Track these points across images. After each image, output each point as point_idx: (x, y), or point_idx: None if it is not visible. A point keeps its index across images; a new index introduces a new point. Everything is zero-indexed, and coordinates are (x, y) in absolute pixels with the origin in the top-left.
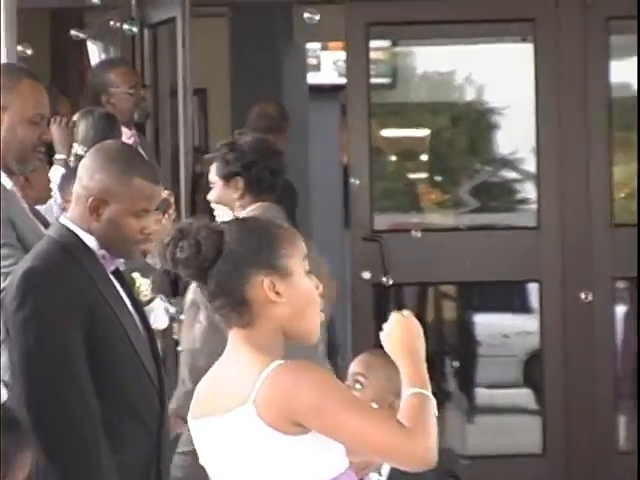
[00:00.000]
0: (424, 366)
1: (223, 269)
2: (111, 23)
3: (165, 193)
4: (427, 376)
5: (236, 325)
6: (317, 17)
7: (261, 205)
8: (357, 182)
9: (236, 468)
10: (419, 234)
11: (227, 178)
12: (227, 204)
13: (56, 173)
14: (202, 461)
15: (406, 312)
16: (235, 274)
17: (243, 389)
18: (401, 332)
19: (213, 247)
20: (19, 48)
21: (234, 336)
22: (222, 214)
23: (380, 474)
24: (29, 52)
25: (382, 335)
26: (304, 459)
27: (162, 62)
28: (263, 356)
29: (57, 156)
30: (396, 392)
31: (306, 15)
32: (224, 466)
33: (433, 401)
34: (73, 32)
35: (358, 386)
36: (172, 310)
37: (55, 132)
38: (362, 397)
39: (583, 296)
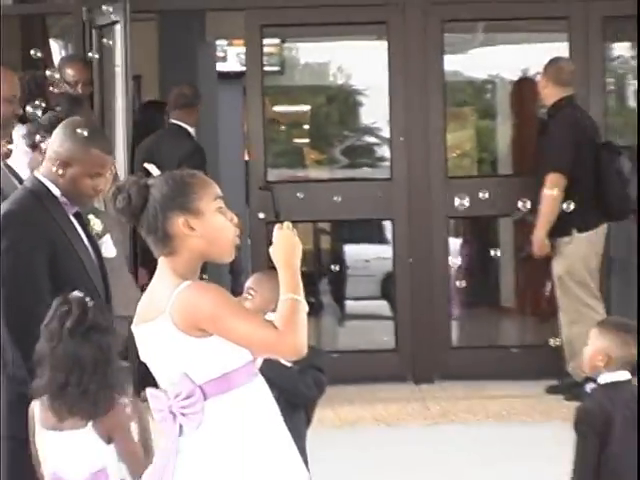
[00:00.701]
0: (298, 274)
1: (149, 214)
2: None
3: None
4: (300, 282)
5: (162, 254)
6: None
7: None
8: (253, 146)
9: (162, 363)
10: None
11: (33, 147)
12: (35, 167)
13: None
14: (142, 359)
15: (286, 224)
16: (158, 217)
17: (163, 302)
18: (282, 243)
19: (141, 198)
20: (32, 52)
21: (161, 262)
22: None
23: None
24: (39, 55)
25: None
26: (210, 355)
27: (107, 55)
28: (179, 277)
29: None
30: (278, 302)
31: None
32: (155, 362)
33: (303, 303)
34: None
35: (249, 297)
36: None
37: None
38: (253, 305)
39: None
